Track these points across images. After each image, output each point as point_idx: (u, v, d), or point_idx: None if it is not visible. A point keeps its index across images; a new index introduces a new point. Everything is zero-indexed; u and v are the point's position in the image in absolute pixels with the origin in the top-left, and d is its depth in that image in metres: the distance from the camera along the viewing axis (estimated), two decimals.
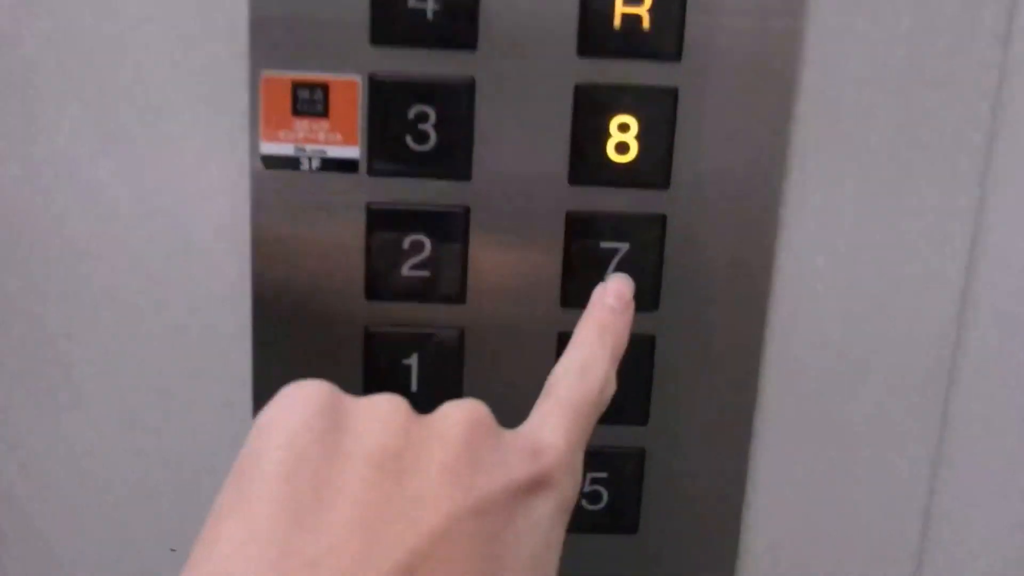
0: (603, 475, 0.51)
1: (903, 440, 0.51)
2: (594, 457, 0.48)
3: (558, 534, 0.34)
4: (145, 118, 0.46)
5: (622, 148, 0.46)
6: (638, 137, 0.46)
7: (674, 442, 0.51)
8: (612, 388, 0.39)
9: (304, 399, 0.32)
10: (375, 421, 0.32)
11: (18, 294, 0.48)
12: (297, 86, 0.45)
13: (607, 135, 0.46)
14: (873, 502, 0.52)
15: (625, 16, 0.44)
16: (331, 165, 0.46)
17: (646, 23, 0.44)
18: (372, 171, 0.46)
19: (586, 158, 0.46)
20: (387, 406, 0.32)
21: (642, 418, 0.50)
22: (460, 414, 0.33)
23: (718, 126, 0.46)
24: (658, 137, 0.46)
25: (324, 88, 0.45)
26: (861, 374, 0.50)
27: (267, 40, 0.44)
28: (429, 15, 0.44)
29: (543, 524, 0.33)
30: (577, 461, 0.36)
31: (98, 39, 0.45)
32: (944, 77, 0.46)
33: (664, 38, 0.45)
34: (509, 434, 0.34)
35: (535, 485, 0.33)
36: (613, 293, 0.43)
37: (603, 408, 0.39)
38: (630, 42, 0.45)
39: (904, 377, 0.51)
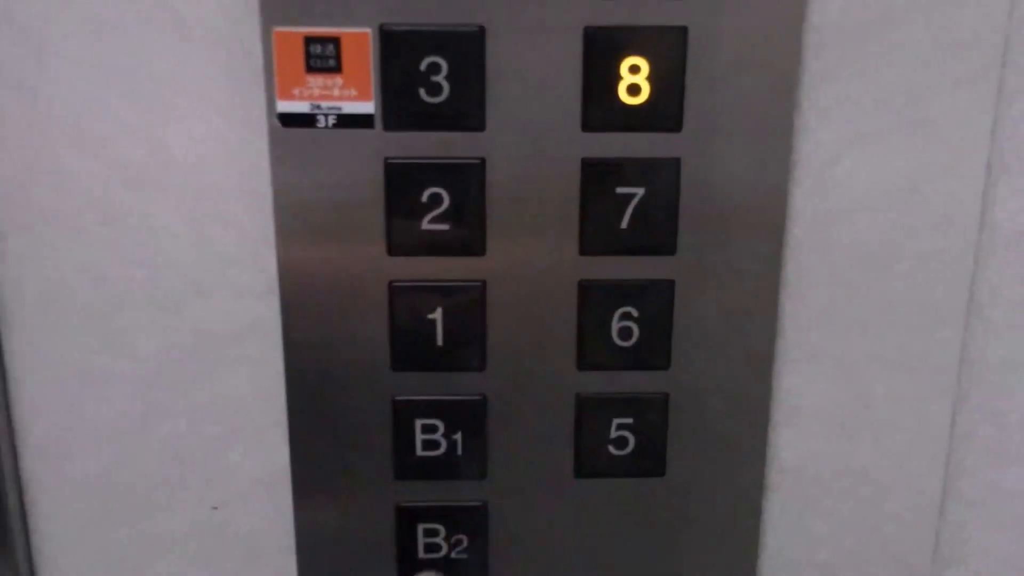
0: (629, 421, 0.48)
1: (924, 378, 0.48)
2: (619, 403, 0.47)
3: None
4: (159, 80, 0.43)
5: (634, 90, 0.42)
6: (649, 78, 0.42)
7: (696, 385, 0.47)
8: None
9: None
10: None
11: (38, 259, 0.45)
12: (309, 40, 0.41)
13: (618, 77, 0.42)
14: (897, 435, 0.49)
15: None
16: (347, 121, 0.42)
17: None
18: (388, 125, 0.43)
19: (599, 102, 0.43)
20: None
21: (664, 363, 0.47)
22: None
23: (729, 65, 0.42)
24: (669, 77, 0.42)
25: (336, 42, 0.41)
26: (880, 311, 0.47)
27: None
28: None
29: None
30: None
31: (105, 8, 0.42)
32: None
33: None
34: None
35: None
36: None
37: None
38: None
39: (921, 318, 0.47)
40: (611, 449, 0.48)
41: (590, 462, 0.48)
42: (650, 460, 0.48)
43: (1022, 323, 0.47)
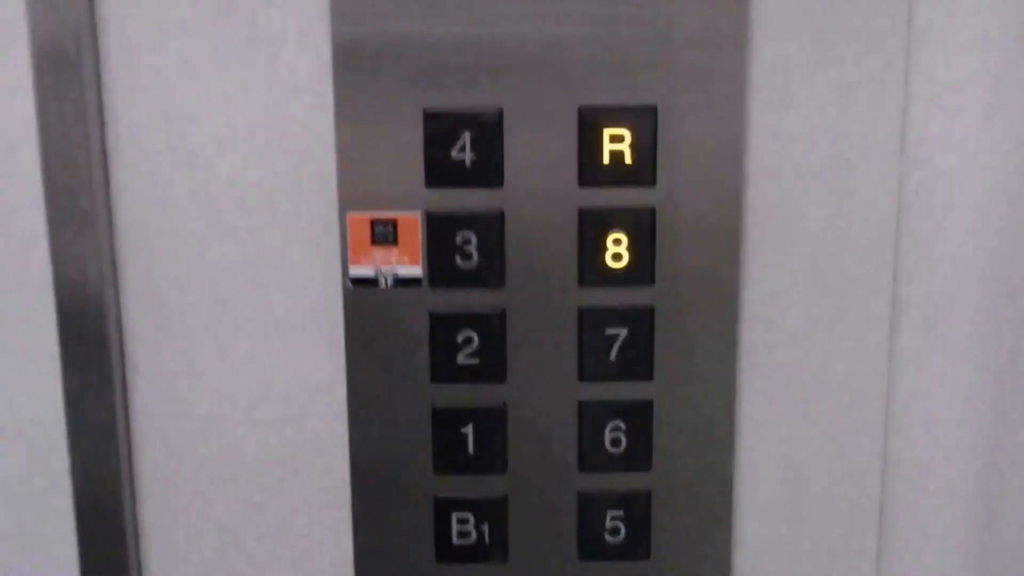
0: (620, 512, 0.55)
1: (855, 449, 0.55)
2: (612, 499, 0.54)
3: None
4: (262, 253, 0.53)
5: (617, 257, 0.51)
6: (628, 248, 0.51)
7: (673, 483, 0.54)
8: None
9: None
10: None
11: (166, 390, 0.55)
12: (374, 222, 0.51)
13: (605, 247, 0.51)
14: (832, 511, 0.56)
15: (612, 152, 0.50)
16: (401, 282, 0.51)
17: (628, 157, 0.50)
18: (432, 284, 0.51)
19: (590, 265, 0.51)
20: None
21: (647, 466, 0.54)
22: None
23: (689, 235, 0.51)
24: (643, 246, 0.51)
25: (394, 223, 0.51)
26: (821, 389, 0.54)
27: (350, 188, 0.51)
28: (467, 164, 0.50)
29: None
30: None
31: (225, 200, 0.52)
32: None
33: (642, 169, 0.50)
34: None
35: None
36: None
37: None
38: (617, 173, 0.50)
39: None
40: (607, 537, 0.55)
41: (591, 547, 0.56)
42: (638, 545, 0.55)
43: (932, 422, 0.56)
